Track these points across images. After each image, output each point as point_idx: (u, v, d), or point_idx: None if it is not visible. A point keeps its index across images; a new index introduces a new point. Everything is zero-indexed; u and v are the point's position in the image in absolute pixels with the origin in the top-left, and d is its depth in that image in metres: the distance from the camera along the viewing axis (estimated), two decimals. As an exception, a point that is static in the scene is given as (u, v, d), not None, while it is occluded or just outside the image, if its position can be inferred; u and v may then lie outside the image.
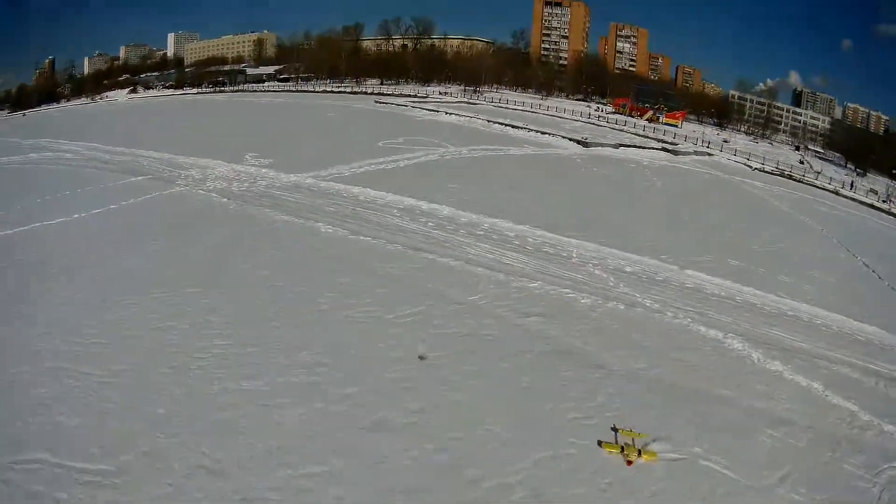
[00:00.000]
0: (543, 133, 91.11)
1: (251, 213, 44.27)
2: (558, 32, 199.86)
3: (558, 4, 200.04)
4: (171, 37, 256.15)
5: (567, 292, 32.71)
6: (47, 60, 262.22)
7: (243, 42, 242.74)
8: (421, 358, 26.32)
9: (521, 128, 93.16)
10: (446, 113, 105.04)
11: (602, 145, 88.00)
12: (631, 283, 34.87)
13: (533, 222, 44.04)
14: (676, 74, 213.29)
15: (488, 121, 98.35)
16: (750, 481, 19.60)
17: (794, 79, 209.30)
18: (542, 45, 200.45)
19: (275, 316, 28.40)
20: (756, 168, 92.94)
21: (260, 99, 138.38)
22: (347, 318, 28.23)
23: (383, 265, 34.58)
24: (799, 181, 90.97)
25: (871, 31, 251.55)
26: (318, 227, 40.98)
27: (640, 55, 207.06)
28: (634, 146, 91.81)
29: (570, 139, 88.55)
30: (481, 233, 40.97)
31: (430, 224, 42.29)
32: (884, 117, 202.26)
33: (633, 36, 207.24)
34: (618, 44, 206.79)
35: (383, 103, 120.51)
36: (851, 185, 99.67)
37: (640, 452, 19.49)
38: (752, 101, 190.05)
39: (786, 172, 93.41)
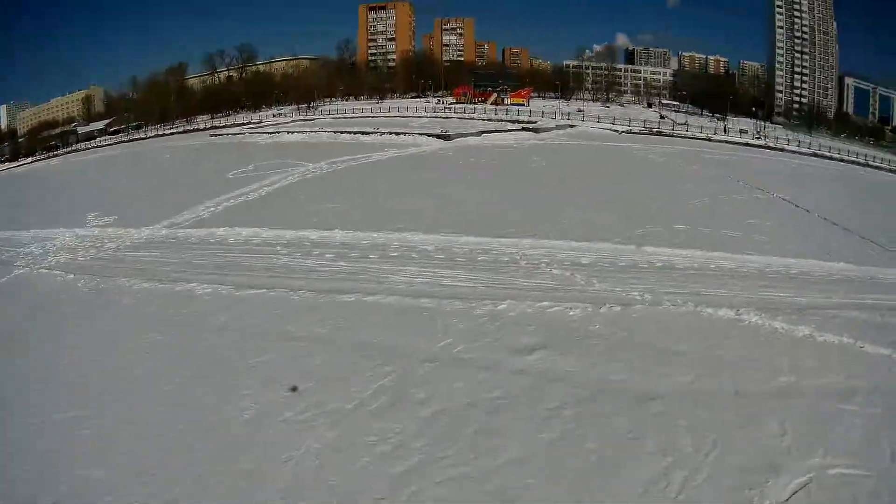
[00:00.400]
0: (398, 134, 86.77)
1: (106, 288, 32.08)
2: (384, 36, 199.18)
3: (382, 8, 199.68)
4: (2, 109, 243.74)
5: (547, 306, 25.84)
6: None
7: (71, 102, 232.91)
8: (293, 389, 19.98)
9: (373, 132, 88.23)
10: (287, 132, 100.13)
11: (464, 135, 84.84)
12: (601, 276, 29.72)
13: (444, 228, 37.89)
14: (503, 57, 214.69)
15: (335, 132, 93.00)
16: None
17: (622, 41, 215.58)
18: (370, 51, 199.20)
19: (186, 453, 17.17)
20: (623, 131, 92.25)
21: (93, 155, 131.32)
22: (290, 430, 17.88)
23: (298, 324, 24.83)
24: (670, 136, 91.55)
25: None
26: (194, 290, 30.30)
27: (466, 45, 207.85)
28: (497, 131, 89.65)
29: (429, 135, 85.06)
30: (395, 254, 33.56)
31: (330, 256, 33.67)
32: (722, 59, 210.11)
33: (459, 27, 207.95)
34: (444, 37, 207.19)
35: (219, 135, 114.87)
36: (725, 130, 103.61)
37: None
38: (587, 67, 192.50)
39: (654, 130, 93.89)
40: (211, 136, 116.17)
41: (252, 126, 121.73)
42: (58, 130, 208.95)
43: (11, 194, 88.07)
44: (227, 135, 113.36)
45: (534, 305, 25.79)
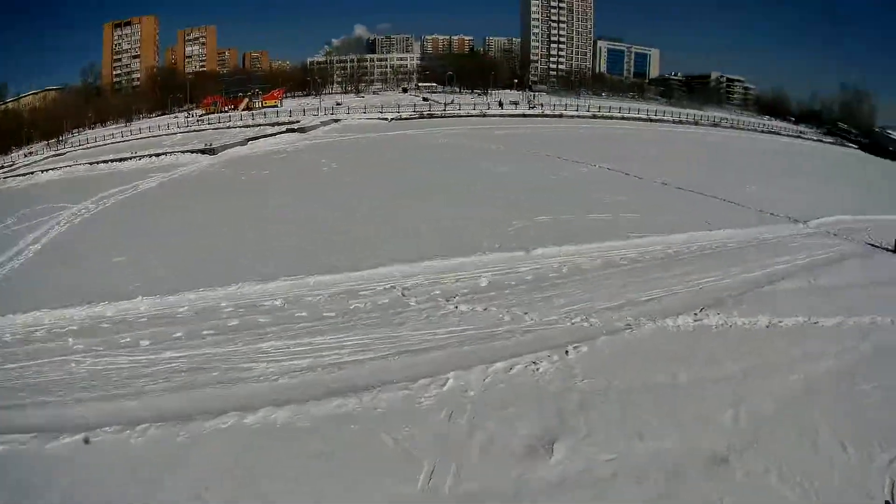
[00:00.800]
0: (158, 155, 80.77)
1: None
2: (129, 54, 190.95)
3: (128, 24, 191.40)
4: None
5: (503, 368, 17.84)
6: None
7: None
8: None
9: (131, 157, 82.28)
10: (41, 171, 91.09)
11: (229, 146, 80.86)
12: (520, 302, 23.44)
13: (279, 268, 27.98)
14: (244, 62, 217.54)
15: (90, 163, 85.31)
16: None
17: (362, 31, 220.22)
18: (115, 72, 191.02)
19: None
20: (393, 118, 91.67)
21: None
22: None
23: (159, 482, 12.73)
24: (443, 116, 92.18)
25: None
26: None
27: (209, 54, 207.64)
28: (262, 136, 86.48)
29: (192, 151, 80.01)
30: (234, 321, 22.40)
31: (145, 343, 21.07)
32: (466, 38, 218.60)
33: (202, 37, 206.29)
34: (187, 48, 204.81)
35: None
36: (500, 104, 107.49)
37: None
38: (333, 62, 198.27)
39: (425, 113, 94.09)
40: None
41: (4, 170, 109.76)
42: None
43: None
44: None
45: (486, 370, 17.59)
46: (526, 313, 21.98)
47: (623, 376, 16.61)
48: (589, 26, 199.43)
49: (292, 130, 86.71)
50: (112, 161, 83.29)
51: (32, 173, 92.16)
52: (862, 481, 12.83)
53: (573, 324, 21.06)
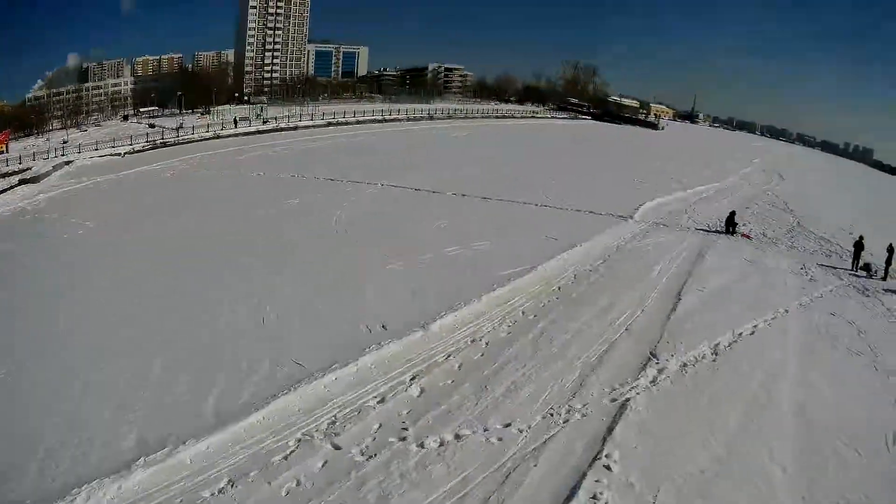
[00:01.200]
0: None
1: None
2: None
3: None
4: None
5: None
6: None
7: None
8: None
9: None
10: None
11: None
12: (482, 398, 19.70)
13: (157, 420, 18.36)
14: None
15: None
16: None
17: (74, 60, 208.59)
18: None
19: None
20: (126, 153, 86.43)
21: None
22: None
23: None
24: (176, 144, 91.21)
25: None
26: None
27: None
28: None
29: None
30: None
31: None
32: (175, 56, 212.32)
33: None
34: None
35: None
36: (235, 122, 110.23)
37: None
38: (50, 95, 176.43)
39: (158, 142, 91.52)
40: None
41: None
42: None
43: None
44: None
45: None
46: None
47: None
48: (304, 31, 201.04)
49: (25, 181, 71.35)
50: None
51: None
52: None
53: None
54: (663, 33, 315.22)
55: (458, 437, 17.54)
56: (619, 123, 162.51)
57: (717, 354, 22.88)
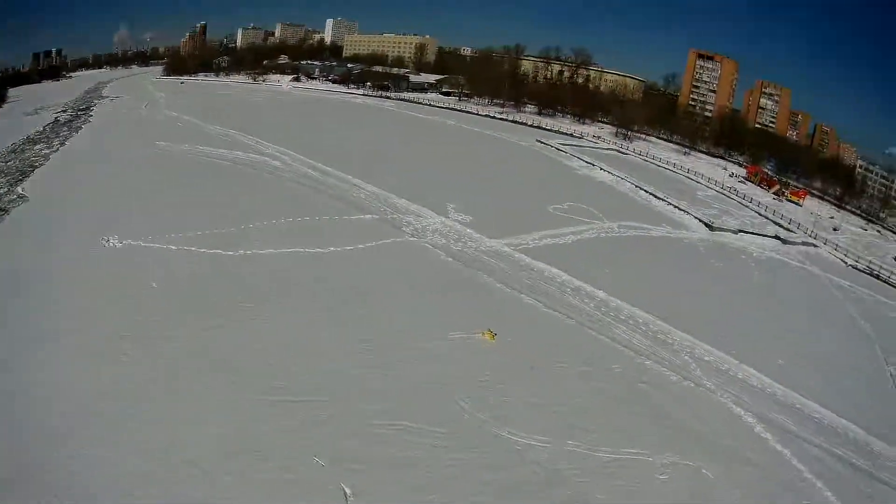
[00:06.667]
0: (678, 208, 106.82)
1: (476, 279, 54.73)
2: (708, 86, 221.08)
3: (710, 58, 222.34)
4: (329, 22, 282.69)
5: None
6: (199, 26, 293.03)
7: (404, 43, 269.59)
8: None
9: (662, 199, 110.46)
10: (601, 169, 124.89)
11: (724, 230, 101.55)
12: None
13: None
14: (814, 133, 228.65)
15: (636, 186, 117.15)
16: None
17: None
18: (691, 96, 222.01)
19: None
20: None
21: (430, 117, 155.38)
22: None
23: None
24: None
25: None
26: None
27: (780, 113, 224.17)
28: (752, 233, 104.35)
29: (699, 219, 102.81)
30: None
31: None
32: None
33: (777, 94, 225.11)
34: (761, 100, 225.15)
35: (544, 143, 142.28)
36: None
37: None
38: (877, 174, 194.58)
39: (876, 272, 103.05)
40: (538, 140, 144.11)
41: (573, 144, 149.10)
42: (395, 70, 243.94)
43: (362, 133, 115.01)
44: (551, 145, 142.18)
45: None
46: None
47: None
48: None
49: (777, 238, 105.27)
50: (649, 193, 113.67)
51: (593, 165, 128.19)
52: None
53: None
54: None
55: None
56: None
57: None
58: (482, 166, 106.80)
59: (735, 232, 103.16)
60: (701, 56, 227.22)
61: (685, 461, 35.31)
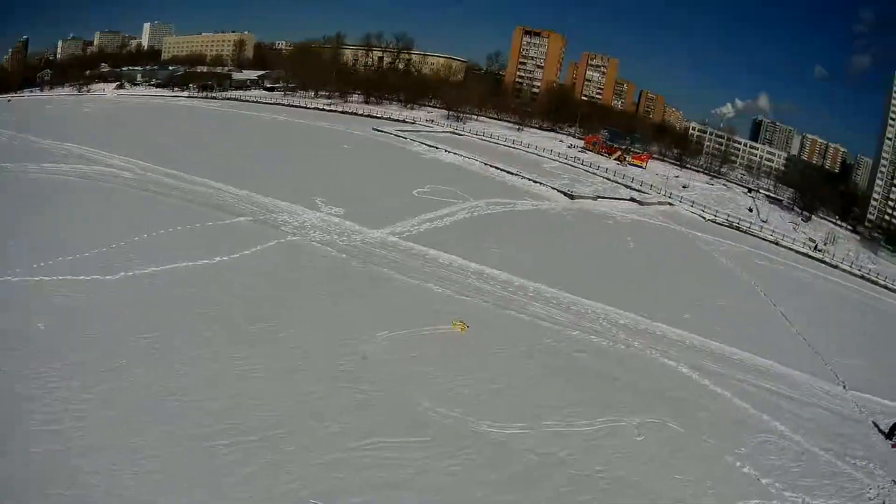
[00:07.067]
0: (534, 182, 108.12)
1: (378, 273, 51.42)
2: (534, 62, 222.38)
3: (537, 34, 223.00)
4: (146, 27, 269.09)
5: None
6: (20, 41, 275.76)
7: (223, 41, 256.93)
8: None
9: (515, 174, 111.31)
10: (446, 151, 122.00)
11: (585, 197, 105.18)
12: None
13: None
14: (639, 100, 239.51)
15: (485, 164, 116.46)
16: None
17: (764, 101, 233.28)
18: (518, 73, 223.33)
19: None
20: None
21: (260, 114, 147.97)
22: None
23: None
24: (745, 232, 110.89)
25: (845, 61, 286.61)
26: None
27: (607, 84, 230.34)
28: (607, 198, 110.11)
29: (558, 190, 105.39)
30: None
31: None
32: (842, 149, 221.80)
33: (604, 65, 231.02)
34: (587, 72, 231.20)
35: (380, 130, 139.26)
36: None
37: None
38: (711, 133, 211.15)
39: (734, 224, 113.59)
40: (374, 129, 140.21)
41: (409, 130, 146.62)
42: (218, 69, 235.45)
43: (202, 135, 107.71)
44: (389, 133, 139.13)
45: None
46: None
47: None
48: None
49: (633, 200, 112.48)
50: (500, 170, 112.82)
51: (437, 148, 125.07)
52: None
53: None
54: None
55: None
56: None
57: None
58: (331, 158, 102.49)
59: (594, 198, 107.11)
60: (528, 33, 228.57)
61: (651, 419, 36.79)
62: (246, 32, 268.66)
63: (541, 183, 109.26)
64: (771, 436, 38.70)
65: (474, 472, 28.87)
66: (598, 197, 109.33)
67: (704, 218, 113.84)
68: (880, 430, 43.35)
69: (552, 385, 38.71)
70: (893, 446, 41.70)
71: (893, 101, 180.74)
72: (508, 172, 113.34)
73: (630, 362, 44.33)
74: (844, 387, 49.63)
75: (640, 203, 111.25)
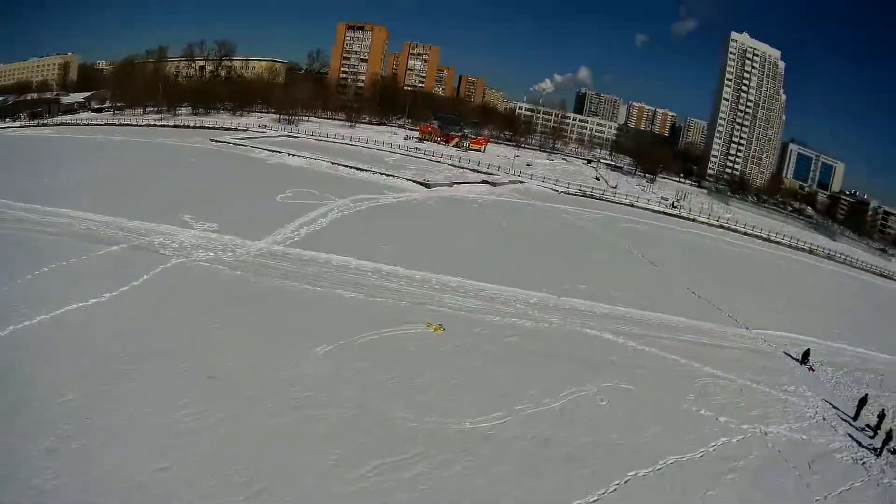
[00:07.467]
0: (388, 175, 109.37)
1: (281, 286, 47.78)
2: (358, 56, 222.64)
3: (360, 28, 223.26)
4: None
5: None
6: None
7: (48, 66, 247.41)
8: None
9: (366, 170, 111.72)
10: (289, 154, 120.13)
11: (441, 185, 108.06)
12: None
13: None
14: (459, 84, 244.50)
15: (332, 163, 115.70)
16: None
17: (584, 74, 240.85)
18: (342, 69, 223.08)
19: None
20: (562, 191, 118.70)
21: (94, 136, 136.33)
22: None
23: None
24: (599, 199, 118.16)
25: (671, 27, 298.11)
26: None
27: (429, 72, 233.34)
28: (465, 182, 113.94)
29: (414, 181, 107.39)
30: None
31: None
32: (670, 114, 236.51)
33: (426, 54, 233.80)
34: (409, 62, 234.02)
35: (217, 140, 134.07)
36: (673, 204, 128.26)
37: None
38: (539, 112, 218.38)
39: (587, 192, 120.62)
40: (210, 140, 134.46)
41: (246, 137, 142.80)
42: (47, 95, 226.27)
43: (46, 164, 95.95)
44: (227, 142, 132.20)
45: None
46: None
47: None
48: (775, 130, 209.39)
49: (486, 182, 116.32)
50: (350, 167, 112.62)
51: (281, 152, 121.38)
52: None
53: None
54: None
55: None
56: None
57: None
58: (182, 173, 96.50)
59: (450, 185, 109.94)
60: (351, 27, 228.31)
61: (605, 383, 38.73)
62: (70, 54, 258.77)
63: (394, 176, 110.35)
64: (707, 378, 42.70)
65: (485, 470, 28.34)
66: (454, 183, 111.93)
67: (558, 191, 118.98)
68: (794, 359, 50.27)
69: (503, 371, 38.67)
70: (810, 370, 48.55)
71: (729, 63, 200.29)
72: (359, 169, 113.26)
73: (558, 338, 45.61)
74: (748, 328, 56.16)
75: (494, 184, 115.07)
